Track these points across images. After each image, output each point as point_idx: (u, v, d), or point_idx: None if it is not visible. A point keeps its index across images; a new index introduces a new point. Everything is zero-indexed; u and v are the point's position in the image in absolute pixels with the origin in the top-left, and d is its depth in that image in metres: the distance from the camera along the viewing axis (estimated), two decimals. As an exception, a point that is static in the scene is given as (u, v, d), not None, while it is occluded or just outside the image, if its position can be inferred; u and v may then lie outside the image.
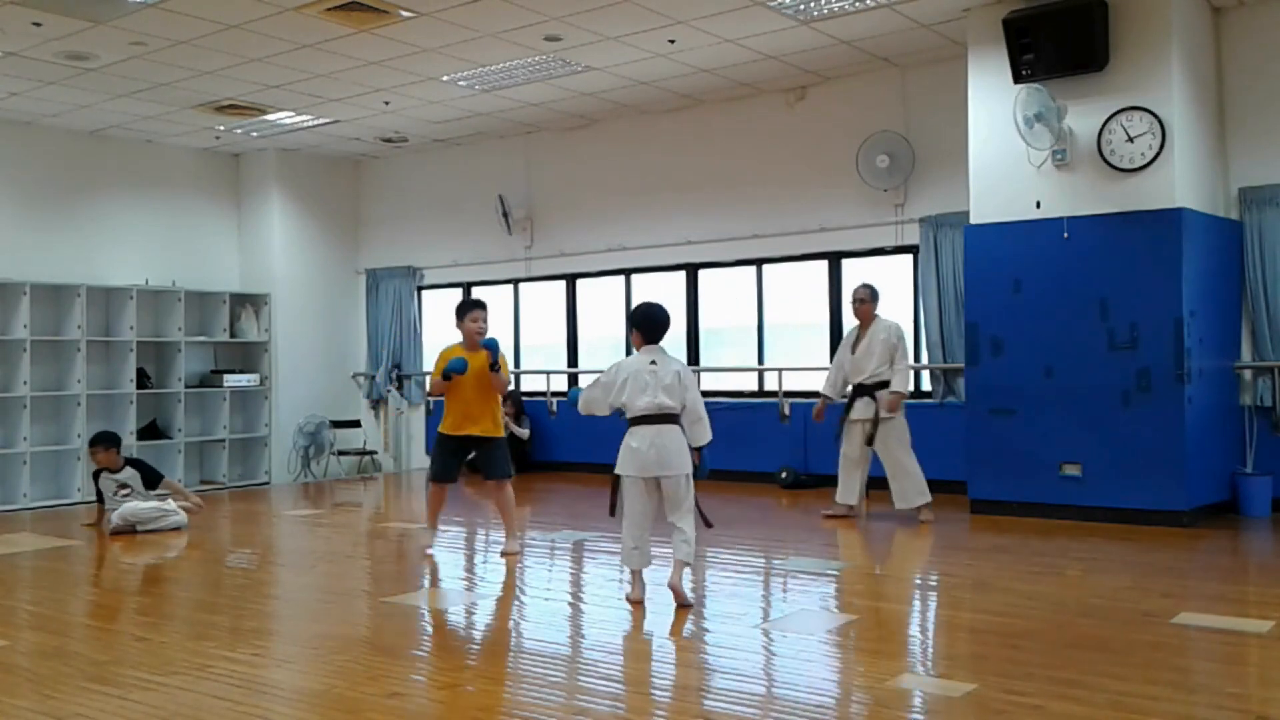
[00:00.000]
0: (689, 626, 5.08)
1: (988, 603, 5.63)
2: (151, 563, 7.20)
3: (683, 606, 5.27)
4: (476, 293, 12.58)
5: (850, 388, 8.09)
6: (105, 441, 8.47)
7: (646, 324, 5.53)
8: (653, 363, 5.40)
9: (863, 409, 7.91)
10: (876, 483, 8.19)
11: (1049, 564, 6.31)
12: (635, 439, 5.35)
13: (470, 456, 7.08)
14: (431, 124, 11.40)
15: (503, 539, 7.11)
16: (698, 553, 6.84)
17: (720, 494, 9.65)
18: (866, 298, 8.07)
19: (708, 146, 10.76)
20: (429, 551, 7.12)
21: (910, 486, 7.81)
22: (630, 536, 5.42)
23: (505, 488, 6.93)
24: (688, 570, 5.43)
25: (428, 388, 7.10)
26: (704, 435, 5.45)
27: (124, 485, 8.26)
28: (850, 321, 8.44)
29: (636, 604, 5.42)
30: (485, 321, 6.93)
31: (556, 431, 11.66)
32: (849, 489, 8.07)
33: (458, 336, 7.00)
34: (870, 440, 7.85)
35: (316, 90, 9.95)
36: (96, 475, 8.44)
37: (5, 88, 9.67)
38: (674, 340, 11.05)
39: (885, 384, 7.82)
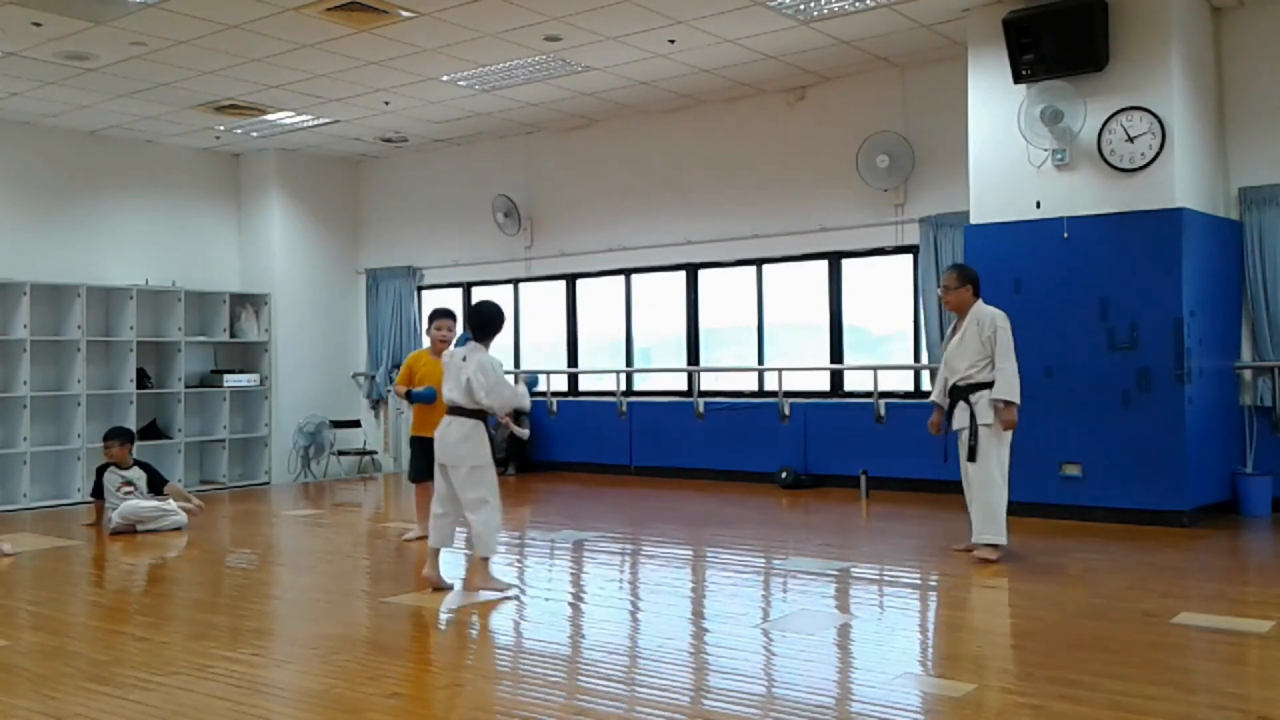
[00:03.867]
0: (688, 626, 5.09)
1: (988, 603, 5.64)
2: (151, 563, 7.20)
3: (506, 597, 5.62)
4: (476, 293, 12.60)
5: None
6: (122, 436, 8.52)
7: (472, 321, 5.81)
8: (464, 359, 5.70)
9: (960, 417, 6.42)
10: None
11: (1049, 564, 6.30)
12: (439, 426, 5.79)
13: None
14: (431, 124, 11.40)
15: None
16: (697, 553, 6.89)
17: (720, 494, 9.67)
18: (952, 284, 6.49)
19: (708, 146, 10.76)
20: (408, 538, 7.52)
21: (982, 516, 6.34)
22: (433, 512, 5.84)
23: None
24: (491, 564, 5.84)
25: (396, 389, 7.40)
26: (506, 404, 5.69)
27: (129, 483, 8.26)
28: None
29: (427, 584, 5.79)
30: (452, 331, 7.25)
31: (556, 431, 11.66)
32: None
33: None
34: (972, 454, 6.29)
35: (316, 90, 9.95)
36: (102, 470, 8.43)
37: (5, 88, 9.67)
38: (674, 340, 11.22)
39: (981, 387, 6.33)
